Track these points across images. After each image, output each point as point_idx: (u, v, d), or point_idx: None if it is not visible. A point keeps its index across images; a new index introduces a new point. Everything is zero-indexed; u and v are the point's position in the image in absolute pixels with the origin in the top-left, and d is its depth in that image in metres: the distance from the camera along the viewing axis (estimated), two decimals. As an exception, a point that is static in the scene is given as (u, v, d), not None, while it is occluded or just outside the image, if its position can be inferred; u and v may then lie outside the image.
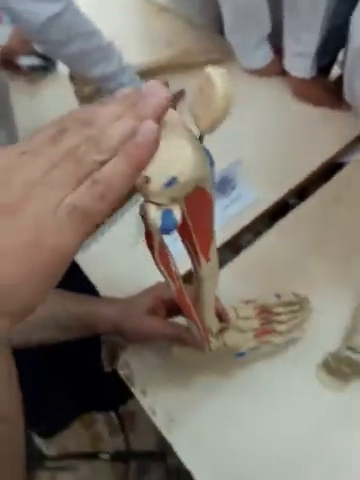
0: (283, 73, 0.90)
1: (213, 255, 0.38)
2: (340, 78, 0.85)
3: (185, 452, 0.57)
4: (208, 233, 0.36)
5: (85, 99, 0.99)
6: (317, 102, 0.86)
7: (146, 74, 0.96)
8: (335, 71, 0.99)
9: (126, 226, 0.78)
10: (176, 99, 0.95)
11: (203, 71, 0.26)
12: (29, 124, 0.87)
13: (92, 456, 1.10)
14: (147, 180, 0.24)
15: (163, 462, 1.24)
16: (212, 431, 0.58)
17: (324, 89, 0.85)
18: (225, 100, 0.25)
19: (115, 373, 0.65)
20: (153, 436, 1.21)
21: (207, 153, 0.27)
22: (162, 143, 0.24)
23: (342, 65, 0.83)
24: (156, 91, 0.24)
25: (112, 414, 1.21)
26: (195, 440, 0.58)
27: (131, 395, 0.63)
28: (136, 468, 1.20)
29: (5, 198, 0.21)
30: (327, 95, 0.85)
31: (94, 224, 0.23)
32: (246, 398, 0.60)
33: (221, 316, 0.54)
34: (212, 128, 0.26)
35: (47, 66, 1.08)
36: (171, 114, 0.26)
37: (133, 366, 0.64)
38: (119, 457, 1.04)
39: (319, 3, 0.73)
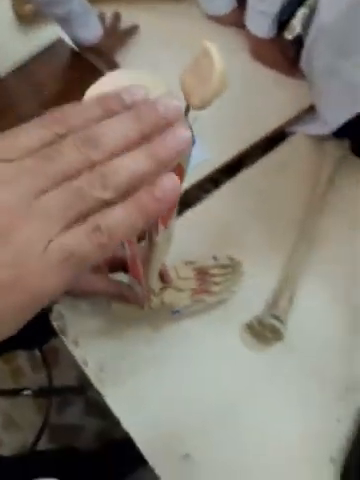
0: (243, 26, 0.86)
1: (171, 222, 0.39)
2: (299, 40, 0.84)
3: (115, 401, 0.60)
4: (174, 204, 0.36)
5: (24, 18, 0.88)
6: (272, 65, 0.85)
7: (96, 0, 0.87)
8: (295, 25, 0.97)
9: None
10: (128, 34, 0.88)
11: (201, 44, 0.24)
12: None
13: (15, 393, 1.12)
14: None
15: (83, 395, 1.30)
16: (141, 382, 0.62)
17: (280, 52, 0.84)
18: (223, 78, 0.24)
19: (41, 314, 0.64)
20: (74, 371, 1.25)
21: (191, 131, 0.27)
22: None
23: (303, 29, 0.82)
24: (178, 132, 0.20)
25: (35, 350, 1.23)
26: (124, 390, 0.61)
27: (55, 334, 0.64)
28: (57, 402, 1.24)
29: None
30: (283, 60, 0.84)
31: (84, 268, 0.20)
32: (175, 352, 0.63)
33: (163, 276, 0.56)
34: (204, 105, 0.25)
35: None
36: (162, 89, 0.24)
37: (66, 317, 0.65)
38: (42, 393, 1.07)
39: None
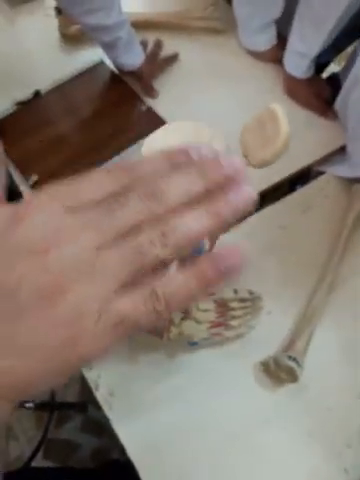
0: (280, 63, 0.88)
1: None
2: (335, 78, 0.85)
3: (120, 425, 0.60)
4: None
5: (68, 38, 0.91)
6: (305, 104, 0.86)
7: (140, 26, 0.89)
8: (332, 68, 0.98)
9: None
10: (168, 62, 0.90)
11: (268, 107, 0.24)
12: (3, 48, 0.79)
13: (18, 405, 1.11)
14: None
15: (84, 412, 1.28)
16: (150, 409, 0.61)
17: (314, 93, 0.85)
18: (288, 141, 0.24)
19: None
20: (77, 386, 1.24)
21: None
22: None
23: (343, 70, 0.83)
24: (242, 191, 0.20)
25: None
26: (131, 416, 0.61)
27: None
28: (56, 416, 1.23)
29: (41, 278, 0.18)
30: (316, 101, 0.84)
31: (134, 332, 0.19)
32: (188, 383, 0.62)
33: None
34: (265, 165, 0.25)
35: None
36: (221, 143, 0.25)
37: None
38: (43, 407, 1.06)
39: (337, 5, 0.71)
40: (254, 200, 0.20)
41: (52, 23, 0.92)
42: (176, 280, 0.19)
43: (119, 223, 0.19)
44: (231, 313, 0.63)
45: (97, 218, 0.19)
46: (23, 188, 0.76)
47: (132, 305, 0.18)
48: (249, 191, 0.20)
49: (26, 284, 0.18)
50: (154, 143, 0.23)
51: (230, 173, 0.20)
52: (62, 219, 0.18)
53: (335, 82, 0.85)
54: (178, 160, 0.20)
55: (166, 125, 0.24)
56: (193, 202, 0.20)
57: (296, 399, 0.62)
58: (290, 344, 0.63)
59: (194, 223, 0.19)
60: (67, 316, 0.18)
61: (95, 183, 0.19)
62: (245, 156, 0.26)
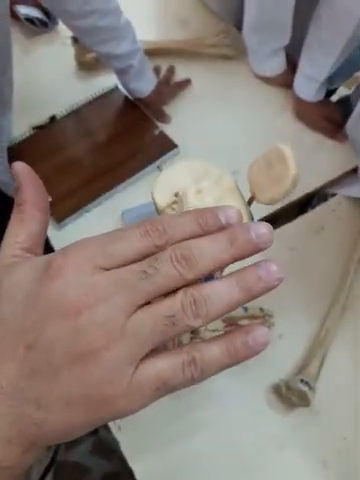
0: (290, 87, 0.89)
1: None
2: (346, 101, 0.86)
3: (129, 447, 0.59)
4: None
5: (84, 65, 0.94)
6: (315, 127, 0.87)
7: (153, 54, 0.92)
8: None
9: (110, 213, 0.77)
10: (180, 87, 0.92)
11: (274, 145, 0.25)
12: (21, 79, 0.82)
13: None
14: None
15: (94, 435, 1.27)
16: (159, 432, 0.60)
17: (325, 116, 0.86)
18: (296, 181, 0.25)
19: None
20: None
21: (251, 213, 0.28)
22: (226, 203, 0.24)
23: (354, 93, 0.84)
24: (273, 273, 0.21)
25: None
26: (140, 438, 0.60)
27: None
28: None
29: (73, 342, 0.18)
30: (326, 124, 0.85)
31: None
32: (197, 405, 0.62)
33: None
34: (273, 203, 0.26)
35: (47, 22, 0.98)
36: (229, 181, 0.26)
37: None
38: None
39: (343, 31, 0.72)
40: (281, 280, 0.21)
41: (68, 51, 0.95)
42: (213, 351, 0.20)
43: (151, 289, 0.19)
44: None
45: (129, 281, 0.19)
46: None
47: (172, 372, 0.19)
48: (277, 272, 0.21)
49: (59, 346, 0.18)
50: (164, 184, 0.24)
51: (258, 243, 0.21)
52: (94, 279, 0.19)
53: (346, 105, 0.86)
54: (209, 222, 0.21)
55: (174, 165, 0.25)
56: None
57: (309, 425, 0.60)
58: (302, 367, 0.62)
59: (226, 296, 0.20)
60: (99, 378, 0.18)
61: (128, 241, 0.20)
62: (253, 193, 0.26)
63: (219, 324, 0.62)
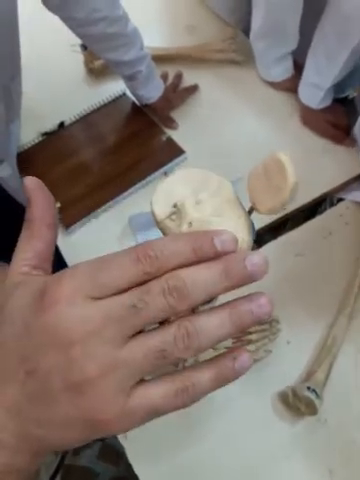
0: (296, 92, 0.89)
1: None
2: (351, 104, 0.85)
3: (135, 454, 0.59)
4: None
5: (93, 72, 0.95)
6: (321, 133, 0.86)
7: (161, 60, 0.93)
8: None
9: (117, 218, 0.78)
10: (188, 93, 0.93)
11: (273, 154, 0.25)
12: (30, 85, 0.83)
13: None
14: None
15: (102, 440, 1.27)
16: (164, 438, 0.60)
17: (331, 122, 0.85)
18: (295, 191, 0.24)
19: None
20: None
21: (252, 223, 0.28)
22: (226, 214, 0.25)
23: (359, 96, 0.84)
24: (264, 307, 0.21)
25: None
26: (146, 446, 0.60)
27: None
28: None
29: (67, 372, 0.19)
30: (333, 130, 0.85)
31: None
32: (204, 412, 0.62)
33: None
34: (272, 213, 0.26)
35: None
36: (228, 191, 0.26)
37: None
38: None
39: (348, 39, 0.72)
40: (270, 313, 0.21)
41: (78, 59, 0.96)
42: (204, 379, 0.21)
43: (141, 323, 0.20)
44: (248, 338, 0.62)
45: (119, 315, 0.20)
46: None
47: (164, 400, 0.21)
48: (267, 305, 0.21)
49: (55, 375, 0.19)
50: (163, 195, 0.24)
51: (252, 275, 0.21)
52: (86, 312, 0.20)
53: (351, 107, 0.85)
54: (203, 248, 0.21)
55: (174, 173, 0.25)
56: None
57: (316, 433, 0.60)
58: (309, 374, 0.62)
59: (217, 331, 0.20)
60: (94, 404, 0.19)
61: (119, 269, 0.20)
62: (252, 201, 0.26)
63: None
